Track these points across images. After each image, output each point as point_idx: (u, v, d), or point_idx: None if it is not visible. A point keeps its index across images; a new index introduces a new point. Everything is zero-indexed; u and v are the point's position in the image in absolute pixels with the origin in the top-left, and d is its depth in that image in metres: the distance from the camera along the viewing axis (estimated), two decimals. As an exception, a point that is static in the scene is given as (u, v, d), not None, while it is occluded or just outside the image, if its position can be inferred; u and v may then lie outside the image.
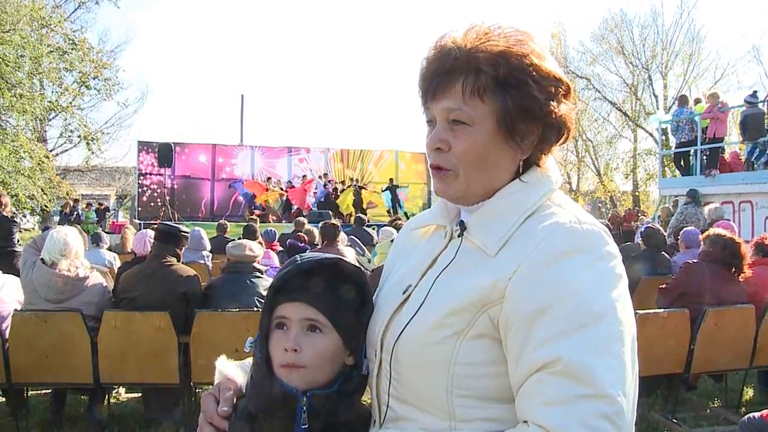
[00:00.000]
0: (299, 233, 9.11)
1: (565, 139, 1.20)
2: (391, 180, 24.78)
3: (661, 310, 4.86)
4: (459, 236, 1.19)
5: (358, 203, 23.72)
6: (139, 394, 5.24)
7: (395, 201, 24.63)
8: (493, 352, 1.08)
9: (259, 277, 4.80)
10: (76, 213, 21.31)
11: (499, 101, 1.11)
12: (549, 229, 1.08)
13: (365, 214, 18.40)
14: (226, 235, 10.20)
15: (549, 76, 1.13)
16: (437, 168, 1.17)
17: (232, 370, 1.29)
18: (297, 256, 1.27)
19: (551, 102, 1.13)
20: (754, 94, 13.20)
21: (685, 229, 7.28)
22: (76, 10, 24.38)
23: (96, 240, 7.88)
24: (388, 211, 24.08)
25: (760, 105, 12.92)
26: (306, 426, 1.16)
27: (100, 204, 27.43)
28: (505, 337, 1.06)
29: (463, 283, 1.11)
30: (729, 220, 9.29)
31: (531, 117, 1.13)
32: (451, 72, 1.12)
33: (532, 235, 1.09)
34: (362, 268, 1.31)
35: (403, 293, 1.20)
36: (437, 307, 1.12)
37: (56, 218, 23.96)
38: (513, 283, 1.05)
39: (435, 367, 1.09)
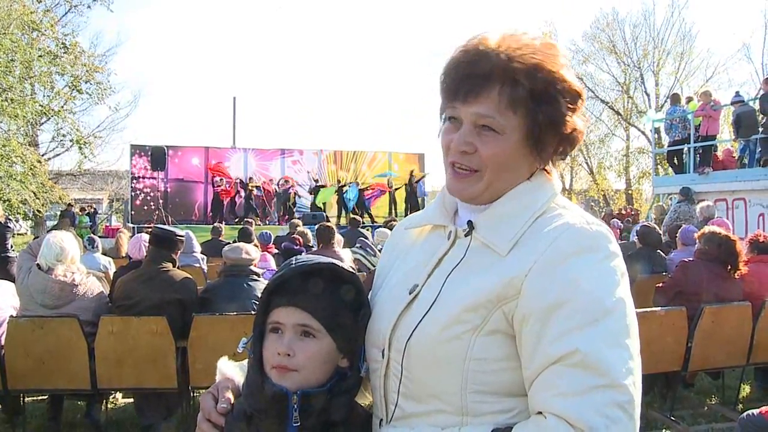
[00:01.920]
0: (294, 236, 9.09)
1: (571, 150, 1.24)
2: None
3: (659, 308, 4.88)
4: (467, 235, 1.21)
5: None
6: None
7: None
8: (506, 348, 1.11)
9: (256, 280, 4.78)
10: (71, 217, 21.17)
11: (531, 115, 1.15)
12: (561, 229, 1.13)
13: None
14: (221, 239, 10.18)
15: (573, 91, 1.18)
16: (460, 167, 1.19)
17: (231, 370, 1.31)
18: (292, 258, 1.28)
19: (574, 116, 1.18)
20: (737, 94, 13.66)
21: (683, 226, 7.31)
22: (66, 13, 24.29)
23: (90, 244, 7.83)
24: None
25: (751, 103, 13.01)
26: (297, 424, 1.17)
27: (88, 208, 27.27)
28: (519, 332, 1.10)
29: (477, 280, 1.14)
30: (721, 217, 9.32)
31: (555, 131, 1.17)
32: (487, 78, 1.14)
33: (543, 234, 1.13)
34: (356, 272, 1.31)
35: (410, 293, 1.22)
36: (452, 304, 1.14)
37: (49, 223, 23.83)
38: (529, 280, 1.09)
39: (450, 363, 1.12)
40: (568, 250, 1.09)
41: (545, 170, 1.25)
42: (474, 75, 1.15)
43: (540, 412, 1.05)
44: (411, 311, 1.19)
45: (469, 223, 1.21)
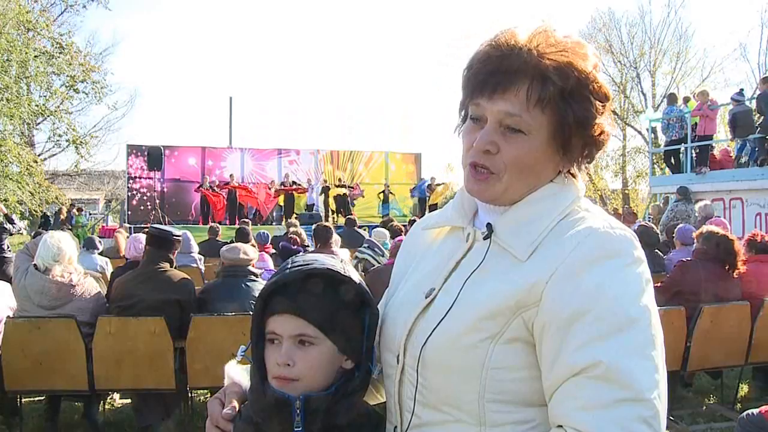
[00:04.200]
0: (291, 235, 9.07)
1: (597, 153, 1.19)
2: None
3: (658, 308, 4.85)
4: (485, 238, 1.17)
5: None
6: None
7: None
8: (525, 357, 1.07)
9: (254, 280, 4.75)
10: (68, 217, 21.10)
11: (560, 114, 1.10)
12: (584, 234, 1.08)
13: None
14: (218, 239, 10.15)
15: (602, 93, 1.13)
16: (480, 167, 1.14)
17: (239, 374, 1.28)
18: (288, 262, 1.25)
19: (602, 119, 1.13)
20: (740, 92, 13.40)
21: (681, 226, 7.31)
22: (62, 13, 24.27)
23: (89, 245, 7.80)
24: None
25: (747, 102, 13.02)
26: (300, 429, 1.15)
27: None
28: (540, 341, 1.06)
29: (496, 286, 1.09)
30: (719, 216, 9.33)
31: (584, 132, 1.12)
32: (516, 74, 1.09)
33: (565, 239, 1.08)
34: (350, 274, 1.26)
35: (426, 297, 1.18)
36: (469, 310, 1.10)
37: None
38: (550, 286, 1.05)
39: (467, 372, 1.08)
40: (591, 256, 1.05)
41: (570, 173, 1.20)
42: (502, 70, 1.10)
43: (560, 426, 1.01)
44: (427, 316, 1.15)
45: (488, 225, 1.17)
